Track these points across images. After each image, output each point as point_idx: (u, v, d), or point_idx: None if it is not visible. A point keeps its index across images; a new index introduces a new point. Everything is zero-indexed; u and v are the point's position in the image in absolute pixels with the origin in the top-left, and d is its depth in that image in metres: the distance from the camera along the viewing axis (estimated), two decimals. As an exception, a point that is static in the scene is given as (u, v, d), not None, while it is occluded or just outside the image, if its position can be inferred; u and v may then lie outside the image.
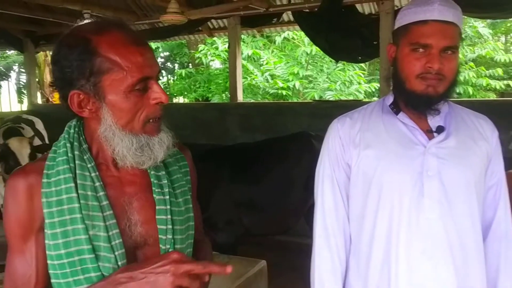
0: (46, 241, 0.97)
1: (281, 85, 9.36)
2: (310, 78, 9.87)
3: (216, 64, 11.49)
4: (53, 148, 1.04)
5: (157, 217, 1.06)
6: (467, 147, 1.33)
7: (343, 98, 8.77)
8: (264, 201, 3.36)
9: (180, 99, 12.37)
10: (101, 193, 1.00)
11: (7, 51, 12.59)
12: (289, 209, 3.43)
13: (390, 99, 1.41)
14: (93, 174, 1.01)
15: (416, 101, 1.31)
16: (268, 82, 9.73)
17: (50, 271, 0.98)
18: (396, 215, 1.30)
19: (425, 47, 1.26)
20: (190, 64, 12.66)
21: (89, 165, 1.01)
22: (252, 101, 9.29)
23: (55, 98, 10.77)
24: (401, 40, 1.32)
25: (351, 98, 8.76)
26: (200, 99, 11.07)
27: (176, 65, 13.43)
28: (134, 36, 1.00)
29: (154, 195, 1.07)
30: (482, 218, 1.35)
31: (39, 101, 9.43)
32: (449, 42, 1.26)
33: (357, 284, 1.38)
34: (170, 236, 1.06)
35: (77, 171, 0.99)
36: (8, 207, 0.99)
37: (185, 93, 11.64)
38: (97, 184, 1.01)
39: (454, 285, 1.27)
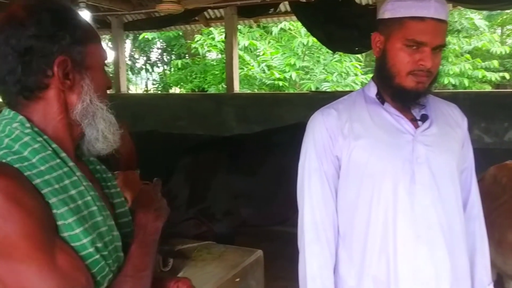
0: (78, 243, 0.83)
1: (277, 76, 9.33)
2: (307, 69, 9.84)
3: (213, 54, 11.42)
4: (4, 151, 0.84)
5: (117, 211, 1.02)
6: (447, 133, 1.38)
7: (339, 89, 8.76)
8: (262, 192, 3.36)
9: (176, 90, 12.33)
10: (90, 183, 0.91)
11: None
12: (287, 200, 3.43)
13: (371, 89, 1.41)
14: (70, 164, 0.89)
15: (405, 96, 1.32)
16: (264, 73, 9.69)
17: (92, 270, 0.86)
18: (391, 202, 1.31)
19: (419, 44, 1.26)
20: (186, 55, 12.60)
21: (62, 155, 0.89)
22: (249, 92, 9.27)
23: None
24: (393, 33, 1.29)
25: (347, 89, 8.75)
26: (196, 90, 11.02)
27: (173, 56, 13.35)
28: None
29: (108, 190, 1.03)
30: None
31: None
32: (442, 40, 1.28)
33: (349, 275, 1.38)
34: (132, 228, 1.01)
35: (69, 164, 0.88)
36: (13, 213, 0.76)
37: (181, 83, 11.59)
38: (82, 174, 0.91)
39: (448, 266, 1.31)
